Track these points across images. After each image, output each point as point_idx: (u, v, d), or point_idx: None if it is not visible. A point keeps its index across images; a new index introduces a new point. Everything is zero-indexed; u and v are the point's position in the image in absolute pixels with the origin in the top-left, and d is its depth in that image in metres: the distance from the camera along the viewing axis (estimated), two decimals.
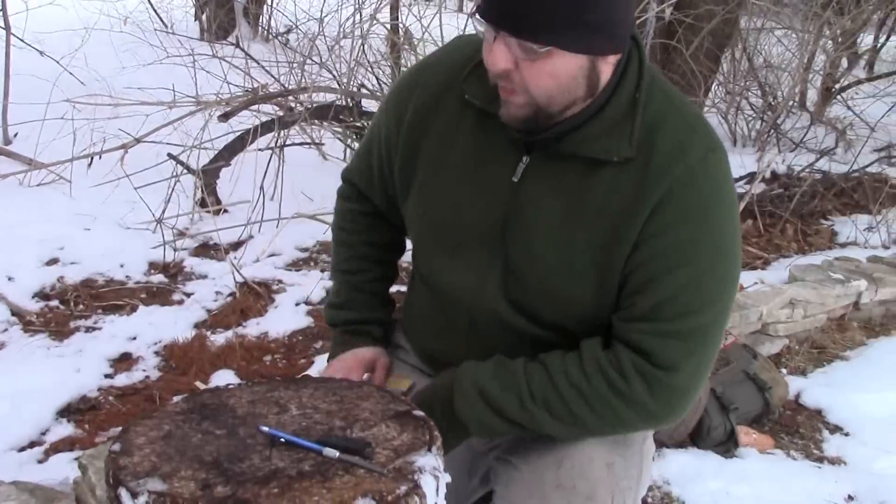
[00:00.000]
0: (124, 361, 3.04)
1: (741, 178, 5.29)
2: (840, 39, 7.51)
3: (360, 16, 5.11)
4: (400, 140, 1.50)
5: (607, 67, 1.29)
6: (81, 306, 3.38)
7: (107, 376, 2.93)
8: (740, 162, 5.48)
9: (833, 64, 7.61)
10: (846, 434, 2.94)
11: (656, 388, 1.32)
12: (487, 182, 1.41)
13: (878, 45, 10.68)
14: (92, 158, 4.39)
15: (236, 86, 4.91)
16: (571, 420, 1.35)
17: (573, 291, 1.36)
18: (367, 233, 1.69)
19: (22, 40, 5.60)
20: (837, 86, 7.89)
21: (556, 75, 1.23)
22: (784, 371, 3.30)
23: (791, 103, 7.24)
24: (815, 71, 7.65)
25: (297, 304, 3.54)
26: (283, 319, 3.40)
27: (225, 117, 4.24)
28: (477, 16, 1.26)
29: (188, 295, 3.56)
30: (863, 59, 10.36)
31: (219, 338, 3.21)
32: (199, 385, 2.81)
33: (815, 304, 3.58)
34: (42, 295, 3.43)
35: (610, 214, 1.31)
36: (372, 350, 1.66)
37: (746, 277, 3.81)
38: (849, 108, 7.57)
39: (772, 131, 6.83)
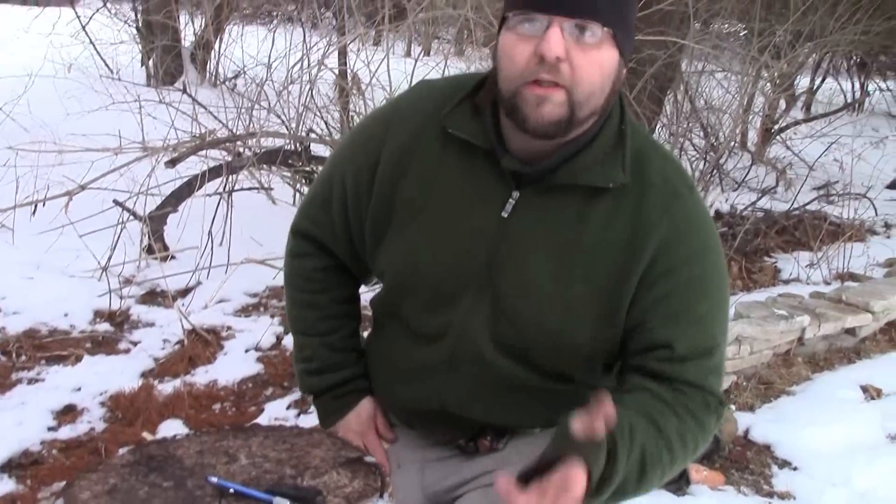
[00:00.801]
0: (68, 413, 2.97)
1: None
2: (777, 82, 7.73)
3: (308, 61, 5.14)
4: (374, 186, 1.44)
5: (618, 83, 1.30)
6: (24, 357, 3.30)
7: (50, 429, 2.86)
8: None
9: (771, 106, 7.83)
10: (794, 468, 2.98)
11: (718, 421, 1.36)
12: (473, 219, 1.36)
13: (814, 87, 11.04)
14: (36, 206, 4.33)
15: (184, 131, 4.89)
16: (671, 469, 1.30)
17: (573, 331, 1.33)
18: (335, 290, 1.60)
19: None
20: (776, 127, 8.11)
21: (602, 67, 1.24)
22: (732, 407, 3.34)
23: (732, 144, 7.41)
24: (754, 112, 7.85)
25: (246, 351, 3.51)
26: (232, 366, 3.36)
27: (172, 164, 4.22)
28: (520, 12, 1.24)
29: (135, 343, 3.51)
30: (800, 101, 10.67)
31: (166, 387, 3.16)
32: (147, 436, 2.75)
33: (761, 341, 3.65)
34: None
35: (608, 248, 1.31)
36: (368, 402, 1.59)
37: None
38: (788, 148, 7.78)
39: (715, 171, 6.98)
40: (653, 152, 1.36)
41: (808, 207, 6.00)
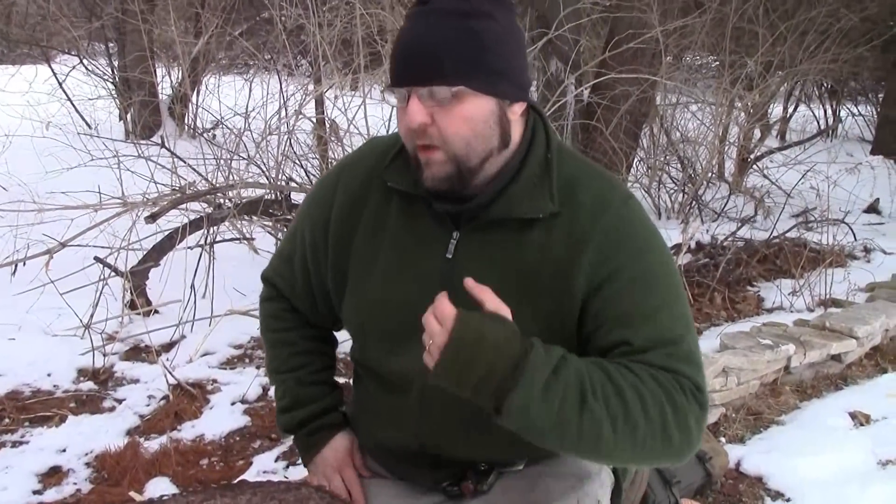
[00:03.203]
0: (54, 475, 2.93)
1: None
2: (751, 111, 7.84)
3: (286, 111, 5.17)
4: (328, 242, 1.53)
5: (515, 119, 1.39)
6: (7, 420, 3.26)
7: (35, 492, 2.81)
8: (666, 235, 5.54)
9: (746, 136, 7.92)
10: (787, 500, 2.97)
11: (703, 414, 1.30)
12: (421, 264, 1.44)
13: (788, 115, 11.19)
14: (16, 266, 4.30)
15: (163, 185, 4.89)
16: (624, 424, 1.23)
17: None
18: (304, 328, 1.68)
19: None
20: (752, 156, 8.21)
21: (470, 119, 1.32)
22: (723, 440, 3.33)
23: (710, 175, 7.49)
24: (730, 143, 7.95)
25: (232, 404, 3.47)
26: (218, 420, 3.33)
27: (153, 219, 4.21)
28: (389, 89, 1.37)
29: (119, 401, 3.47)
30: (774, 129, 10.82)
31: (153, 444, 3.12)
32: (134, 496, 2.71)
33: (748, 371, 3.65)
34: None
35: (547, 272, 1.36)
36: (343, 437, 1.64)
37: None
38: (765, 176, 7.86)
39: (694, 203, 7.04)
40: (583, 175, 1.43)
41: (787, 235, 6.04)
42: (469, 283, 1.26)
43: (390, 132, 4.69)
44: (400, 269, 1.46)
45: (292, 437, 1.69)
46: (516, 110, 1.39)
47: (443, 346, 1.20)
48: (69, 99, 9.30)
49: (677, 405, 1.27)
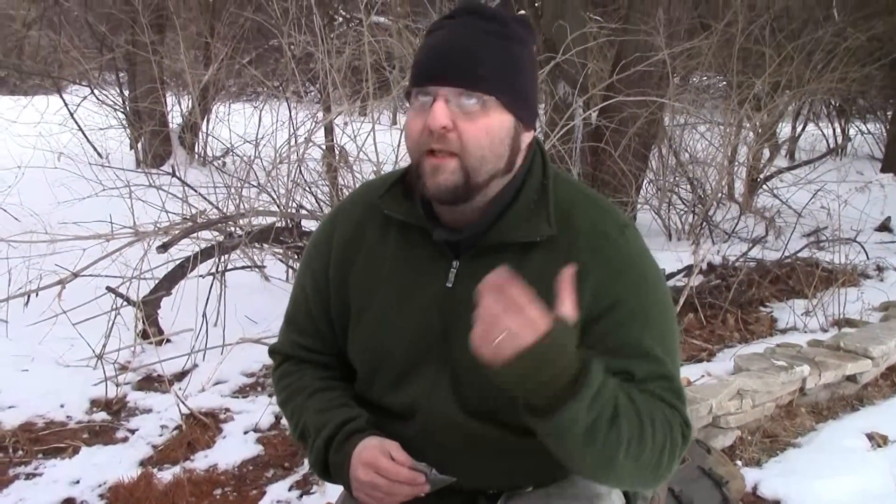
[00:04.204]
0: None
1: (679, 272, 5.40)
2: (759, 131, 7.84)
3: (296, 139, 5.19)
4: (330, 283, 1.52)
5: (524, 145, 1.40)
6: (21, 452, 3.26)
7: None
8: (676, 256, 5.62)
9: (755, 155, 7.91)
10: None
11: (684, 443, 1.35)
12: (422, 295, 1.43)
13: (797, 134, 11.18)
14: (29, 296, 4.32)
15: (175, 213, 4.92)
16: (637, 446, 1.27)
17: None
18: (315, 370, 1.60)
19: None
20: (762, 176, 8.19)
21: (490, 132, 1.32)
22: (739, 463, 3.31)
23: (720, 195, 7.48)
24: (739, 163, 7.94)
25: (245, 433, 3.46)
26: (231, 449, 3.32)
27: (164, 248, 4.23)
28: (413, 87, 1.35)
29: (132, 431, 3.47)
30: (783, 149, 10.80)
31: (166, 474, 3.11)
32: None
33: (763, 393, 3.63)
34: None
35: (548, 297, 1.30)
36: (370, 438, 1.45)
37: (693, 371, 3.85)
38: (775, 196, 7.84)
39: (704, 224, 7.03)
40: (581, 200, 1.44)
41: (799, 255, 6.02)
42: (565, 280, 1.23)
43: (400, 158, 4.73)
44: (400, 301, 1.45)
45: (327, 469, 1.51)
46: (526, 139, 1.40)
47: (528, 346, 1.16)
48: (81, 129, 9.37)
49: (674, 437, 1.33)
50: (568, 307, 1.23)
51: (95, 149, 9.32)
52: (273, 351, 1.66)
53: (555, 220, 1.39)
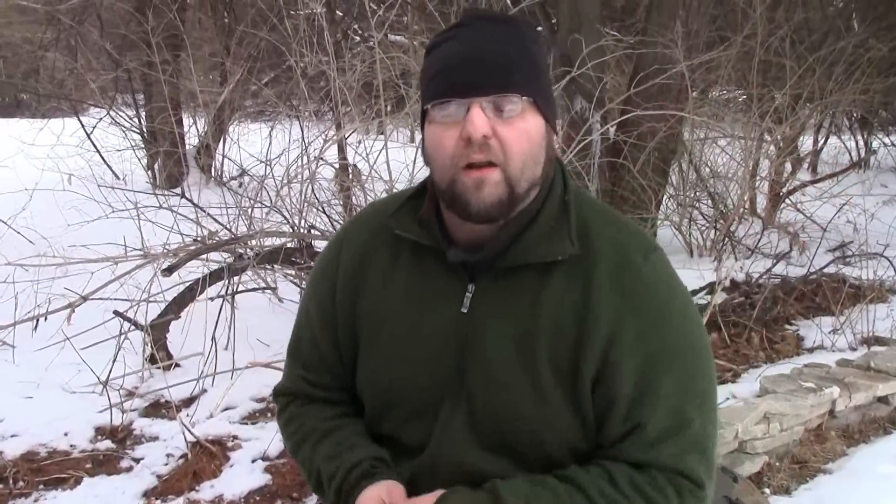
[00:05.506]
0: None
1: (702, 289, 5.26)
2: (781, 145, 7.70)
3: (308, 157, 5.11)
4: (337, 309, 1.42)
5: (552, 150, 1.31)
6: (21, 483, 3.17)
7: None
8: (699, 273, 5.48)
9: (777, 169, 7.77)
10: None
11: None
12: (436, 321, 1.34)
13: (819, 147, 11.01)
14: (37, 321, 4.25)
15: (186, 235, 4.84)
16: None
17: (550, 420, 1.28)
18: (321, 412, 1.49)
19: None
20: (784, 190, 8.04)
21: (530, 136, 1.25)
22: (767, 491, 3.16)
23: (742, 210, 7.34)
24: (761, 177, 7.80)
25: (253, 461, 3.35)
26: (238, 479, 3.21)
27: (169, 271, 4.15)
28: (436, 100, 1.25)
29: (137, 460, 3.36)
30: (805, 162, 10.64)
31: None
32: None
33: (791, 417, 3.48)
34: None
35: (564, 325, 1.27)
36: (389, 482, 1.36)
37: (717, 393, 3.71)
38: (799, 210, 7.69)
39: (726, 239, 6.89)
40: (600, 218, 1.35)
41: (825, 271, 5.87)
42: None
43: (414, 176, 4.63)
44: (414, 328, 1.35)
45: None
46: (554, 144, 1.33)
47: None
48: (97, 151, 9.38)
49: None
50: None
51: (112, 170, 9.32)
52: (277, 393, 1.56)
53: (577, 237, 1.30)
